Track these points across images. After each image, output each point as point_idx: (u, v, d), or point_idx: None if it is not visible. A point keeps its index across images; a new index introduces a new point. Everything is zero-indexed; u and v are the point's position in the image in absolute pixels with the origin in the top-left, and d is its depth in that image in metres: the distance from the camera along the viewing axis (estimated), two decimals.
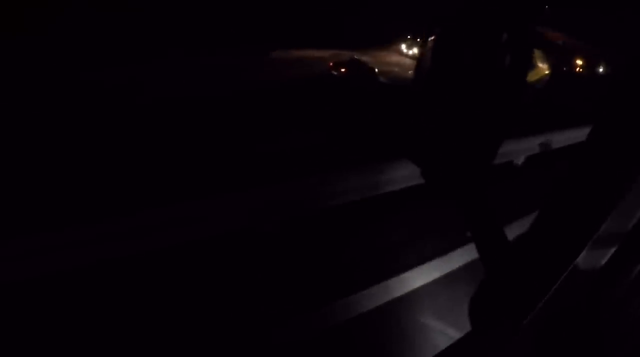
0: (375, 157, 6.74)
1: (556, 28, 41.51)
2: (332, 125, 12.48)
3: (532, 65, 1.02)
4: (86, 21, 26.55)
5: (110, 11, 28.38)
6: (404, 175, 6.16)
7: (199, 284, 4.36)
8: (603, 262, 0.95)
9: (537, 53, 1.03)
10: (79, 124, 12.02)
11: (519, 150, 9.19)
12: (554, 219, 0.91)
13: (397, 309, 4.27)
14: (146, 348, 3.60)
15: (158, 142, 10.33)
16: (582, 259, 0.91)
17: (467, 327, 1.16)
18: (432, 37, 1.09)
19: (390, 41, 43.02)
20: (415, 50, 44.61)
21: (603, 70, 47.48)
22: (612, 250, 0.95)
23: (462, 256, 4.74)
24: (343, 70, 27.02)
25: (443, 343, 3.36)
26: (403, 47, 47.12)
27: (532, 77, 1.04)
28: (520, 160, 9.47)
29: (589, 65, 48.98)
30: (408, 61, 40.88)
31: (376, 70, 29.57)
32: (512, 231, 1.08)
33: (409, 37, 45.95)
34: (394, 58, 41.16)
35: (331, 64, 27.99)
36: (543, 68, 1.13)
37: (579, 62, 49.50)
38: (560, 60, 44.90)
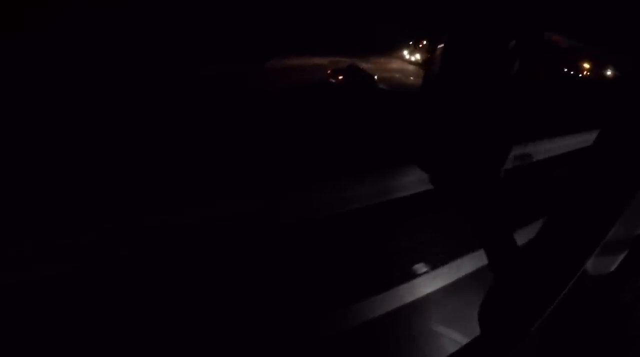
0: (375, 163, 6.74)
1: (560, 31, 41.26)
2: (328, 132, 12.47)
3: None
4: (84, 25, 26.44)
5: (108, 13, 28.26)
6: (412, 181, 6.15)
7: (209, 287, 4.37)
8: (612, 267, 0.95)
9: None
10: (71, 128, 12.15)
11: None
12: (562, 225, 0.91)
13: (407, 315, 4.26)
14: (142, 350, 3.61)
15: (151, 149, 10.39)
16: (590, 265, 0.91)
17: (476, 334, 1.16)
18: (441, 45, 1.10)
19: (391, 47, 42.69)
20: (417, 57, 44.55)
21: (611, 73, 47.17)
22: (621, 255, 0.95)
23: (471, 262, 4.72)
24: (341, 77, 26.83)
25: (451, 349, 3.35)
26: (405, 53, 46.94)
27: None
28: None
29: (596, 69, 48.65)
30: (410, 67, 40.62)
31: (375, 77, 29.23)
32: (520, 237, 1.08)
33: (410, 43, 45.76)
34: (396, 64, 40.87)
35: (329, 71, 27.76)
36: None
37: (586, 65, 49.24)
38: (565, 64, 44.71)
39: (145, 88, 19.53)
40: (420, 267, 4.96)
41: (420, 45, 44.48)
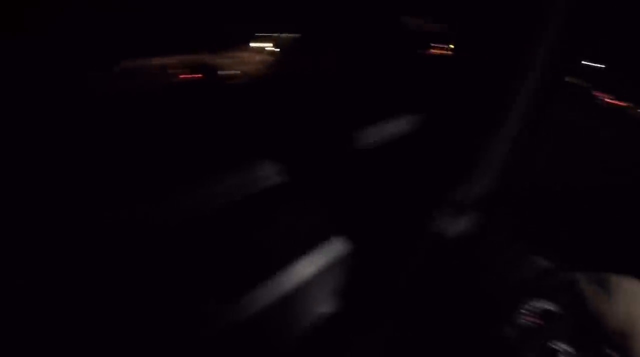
0: (231, 159, 6.66)
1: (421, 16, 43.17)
2: (179, 133, 12.14)
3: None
4: None
5: None
6: (268, 174, 6.14)
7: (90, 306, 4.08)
8: (464, 227, 1.04)
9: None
10: None
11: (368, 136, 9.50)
12: (397, 196, 0.98)
13: (291, 301, 4.31)
14: None
15: None
16: (446, 226, 0.99)
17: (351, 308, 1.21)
18: (288, 35, 1.12)
19: (241, 40, 42.20)
20: (271, 47, 44.51)
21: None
22: (472, 215, 1.04)
23: (342, 243, 4.85)
24: (191, 76, 26.69)
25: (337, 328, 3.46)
26: (253, 44, 46.75)
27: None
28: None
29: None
30: (268, 59, 40.58)
31: (225, 72, 29.22)
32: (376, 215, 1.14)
33: (259, 34, 45.60)
34: (246, 57, 40.55)
35: (175, 70, 27.58)
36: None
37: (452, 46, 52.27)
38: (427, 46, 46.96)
39: None
40: (295, 253, 5.00)
41: (275, 35, 44.46)
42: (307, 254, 5.56)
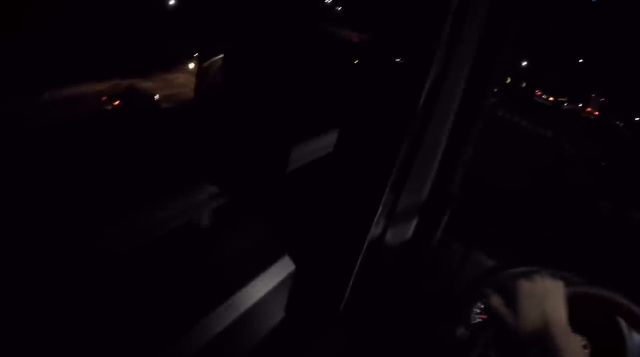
0: (165, 186, 6.59)
1: (350, 27, 43.74)
2: (108, 163, 11.93)
3: None
4: None
5: None
6: (205, 198, 5.96)
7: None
8: (407, 237, 1.06)
9: None
10: None
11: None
12: (333, 211, 0.99)
13: (250, 319, 4.26)
14: None
15: None
16: (388, 239, 1.00)
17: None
18: (216, 58, 1.11)
19: (177, 61, 40.99)
20: (202, 67, 41.76)
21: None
22: (413, 225, 1.06)
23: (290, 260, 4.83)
24: (117, 102, 24.70)
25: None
26: (191, 66, 45.42)
27: None
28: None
29: None
30: (198, 80, 38.76)
31: (157, 96, 27.65)
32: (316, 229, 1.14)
33: (195, 55, 44.32)
34: (182, 79, 39.42)
35: (105, 97, 25.21)
36: None
37: None
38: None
39: None
40: (249, 273, 4.96)
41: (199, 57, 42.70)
42: (256, 275, 5.45)
